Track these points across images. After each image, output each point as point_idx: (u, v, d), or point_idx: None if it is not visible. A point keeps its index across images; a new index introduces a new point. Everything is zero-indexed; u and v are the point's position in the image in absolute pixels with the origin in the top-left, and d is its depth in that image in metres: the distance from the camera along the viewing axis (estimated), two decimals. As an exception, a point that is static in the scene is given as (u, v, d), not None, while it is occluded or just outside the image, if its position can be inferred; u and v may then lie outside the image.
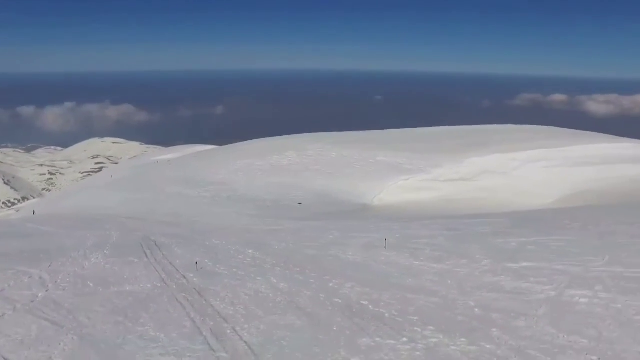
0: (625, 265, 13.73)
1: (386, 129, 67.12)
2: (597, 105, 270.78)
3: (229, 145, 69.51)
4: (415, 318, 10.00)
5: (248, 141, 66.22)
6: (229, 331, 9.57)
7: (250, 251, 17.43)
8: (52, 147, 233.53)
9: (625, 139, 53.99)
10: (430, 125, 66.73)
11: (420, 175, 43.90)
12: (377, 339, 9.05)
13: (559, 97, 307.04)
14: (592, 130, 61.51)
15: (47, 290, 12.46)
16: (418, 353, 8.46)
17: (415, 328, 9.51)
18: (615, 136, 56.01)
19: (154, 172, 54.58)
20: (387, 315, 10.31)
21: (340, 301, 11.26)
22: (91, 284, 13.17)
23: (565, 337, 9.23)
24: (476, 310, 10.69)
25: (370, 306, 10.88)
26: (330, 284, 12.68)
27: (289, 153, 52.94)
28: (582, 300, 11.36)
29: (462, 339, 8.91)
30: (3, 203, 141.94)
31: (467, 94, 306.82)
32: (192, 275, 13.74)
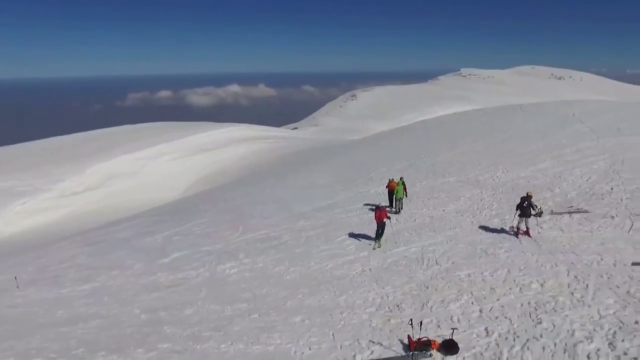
0: (254, 230, 15.87)
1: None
2: (198, 97, 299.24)
3: None
4: (81, 350, 8.94)
5: None
6: None
7: None
8: None
9: (227, 124, 61.72)
10: (39, 138, 59.48)
11: (41, 194, 38.71)
12: (40, 393, 7.70)
13: (165, 94, 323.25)
14: (199, 120, 67.94)
15: None
16: (93, 386, 7.64)
17: (84, 360, 8.53)
18: (220, 122, 63.31)
19: None
20: (43, 361, 8.85)
21: (-25, 369, 8.99)
22: None
23: (229, 307, 10.04)
24: (142, 316, 10.38)
25: (18, 360, 9.10)
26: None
27: None
28: (232, 270, 12.56)
29: (139, 350, 8.51)
30: None
31: (74, 99, 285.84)
32: None
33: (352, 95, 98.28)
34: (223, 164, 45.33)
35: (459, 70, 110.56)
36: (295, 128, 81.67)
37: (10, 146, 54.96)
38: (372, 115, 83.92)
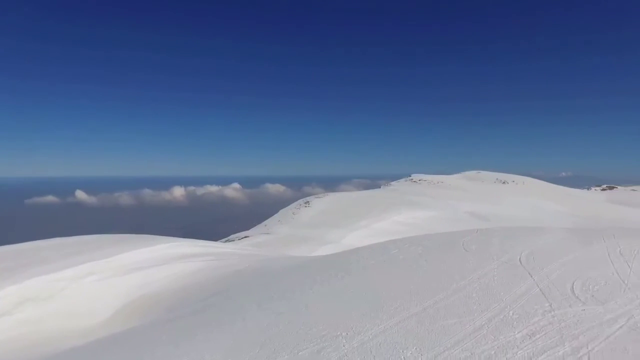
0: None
1: None
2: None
3: None
4: None
5: None
6: None
7: None
8: None
9: (168, 237, 57.37)
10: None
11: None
12: None
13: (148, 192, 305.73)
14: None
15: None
16: None
17: None
18: (161, 236, 59.07)
19: None
20: None
21: None
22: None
23: None
24: None
25: None
26: None
27: None
28: None
29: None
30: None
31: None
32: None
33: (306, 203, 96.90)
34: (156, 285, 40.08)
35: (410, 176, 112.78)
36: (246, 237, 78.06)
37: None
38: (325, 223, 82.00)
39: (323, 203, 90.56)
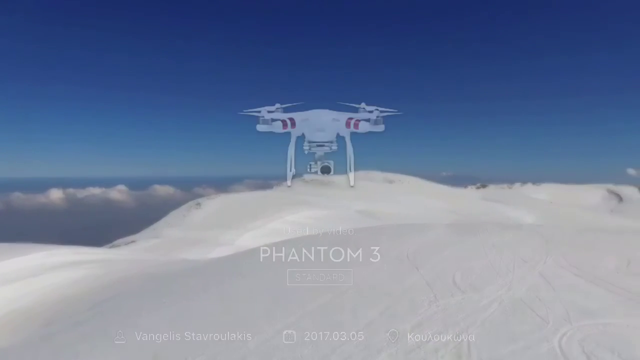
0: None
1: None
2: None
3: None
4: None
5: None
6: None
7: None
8: None
9: (48, 245, 52.77)
10: None
11: None
12: None
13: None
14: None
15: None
16: None
17: None
18: (40, 244, 54.09)
19: None
20: None
21: None
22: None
23: None
24: None
25: None
26: None
27: None
28: None
29: None
30: None
31: None
32: None
33: (197, 204, 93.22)
34: (31, 298, 36.66)
35: (302, 176, 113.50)
36: (134, 241, 74.03)
37: None
38: (218, 225, 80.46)
39: (215, 204, 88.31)
